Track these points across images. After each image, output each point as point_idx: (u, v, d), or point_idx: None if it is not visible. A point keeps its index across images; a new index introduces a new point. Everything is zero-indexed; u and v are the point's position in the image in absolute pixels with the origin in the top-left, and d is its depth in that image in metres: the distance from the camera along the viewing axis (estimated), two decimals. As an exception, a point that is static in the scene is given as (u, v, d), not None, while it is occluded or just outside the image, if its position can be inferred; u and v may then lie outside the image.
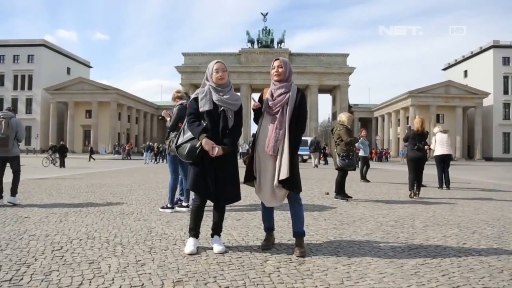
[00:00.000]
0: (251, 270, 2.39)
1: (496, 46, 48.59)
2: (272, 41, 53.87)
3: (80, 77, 50.15)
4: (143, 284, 2.12)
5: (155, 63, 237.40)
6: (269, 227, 3.04)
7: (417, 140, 6.85)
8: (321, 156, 23.71)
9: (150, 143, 29.85)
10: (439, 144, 8.71)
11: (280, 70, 2.90)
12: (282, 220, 4.08)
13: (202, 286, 2.11)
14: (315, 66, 51.65)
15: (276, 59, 2.96)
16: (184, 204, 4.90)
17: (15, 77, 50.58)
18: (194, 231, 2.86)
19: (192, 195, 4.36)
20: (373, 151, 37.11)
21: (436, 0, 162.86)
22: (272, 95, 2.90)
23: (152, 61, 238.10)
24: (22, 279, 2.18)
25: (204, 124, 2.80)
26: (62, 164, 18.32)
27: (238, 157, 3.70)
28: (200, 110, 2.81)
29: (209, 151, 2.71)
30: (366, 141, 10.99)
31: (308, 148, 21.29)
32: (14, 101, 48.77)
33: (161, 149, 28.99)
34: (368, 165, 10.88)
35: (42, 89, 48.48)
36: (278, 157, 2.79)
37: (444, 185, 8.38)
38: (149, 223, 3.96)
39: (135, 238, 3.24)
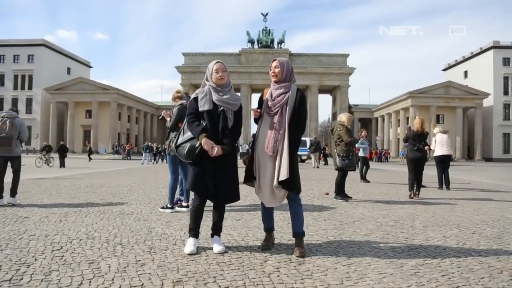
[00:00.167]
0: (251, 270, 2.39)
1: (496, 46, 48.62)
2: (272, 41, 53.91)
3: (80, 77, 50.18)
4: (143, 284, 2.13)
5: (155, 63, 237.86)
6: (269, 227, 3.04)
7: (417, 141, 6.85)
8: (321, 156, 23.70)
9: (149, 143, 29.83)
10: (439, 144, 8.71)
11: (276, 70, 2.89)
12: (282, 220, 4.08)
13: (202, 286, 2.11)
14: (315, 67, 51.68)
15: (273, 60, 2.94)
16: (184, 204, 4.91)
17: (15, 77, 50.60)
18: (194, 231, 2.86)
19: (192, 195, 4.36)
20: (373, 151, 37.08)
21: (436, 0, 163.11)
22: (271, 96, 2.90)
23: (152, 61, 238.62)
24: (22, 279, 2.18)
25: (204, 124, 2.80)
26: (62, 164, 18.33)
27: (238, 157, 3.70)
28: (200, 110, 2.81)
29: (209, 151, 2.71)
30: (366, 141, 10.99)
31: (306, 148, 21.25)
32: (14, 101, 48.77)
33: (160, 149, 28.98)
34: (368, 166, 10.88)
35: (42, 89, 48.51)
36: (278, 157, 2.79)
37: (444, 186, 8.38)
38: (149, 223, 3.96)
39: (135, 238, 3.24)
